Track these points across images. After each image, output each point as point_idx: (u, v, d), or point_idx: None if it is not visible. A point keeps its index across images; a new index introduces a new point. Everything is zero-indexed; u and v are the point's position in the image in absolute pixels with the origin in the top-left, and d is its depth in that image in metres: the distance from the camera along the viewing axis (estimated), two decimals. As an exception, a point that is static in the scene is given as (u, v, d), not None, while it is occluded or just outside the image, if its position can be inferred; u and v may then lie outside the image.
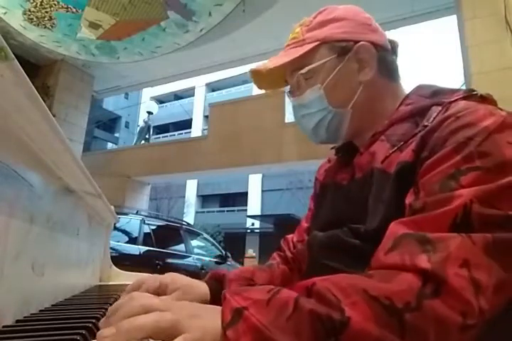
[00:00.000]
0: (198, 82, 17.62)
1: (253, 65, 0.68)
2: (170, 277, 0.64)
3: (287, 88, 0.70)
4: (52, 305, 0.60)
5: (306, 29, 0.63)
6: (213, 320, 0.36)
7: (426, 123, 0.51)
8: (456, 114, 0.48)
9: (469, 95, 0.54)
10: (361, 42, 0.61)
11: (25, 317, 0.48)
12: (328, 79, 0.61)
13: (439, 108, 0.53)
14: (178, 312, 0.36)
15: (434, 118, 0.51)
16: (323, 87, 0.61)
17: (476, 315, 0.34)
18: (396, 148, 0.54)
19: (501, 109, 0.50)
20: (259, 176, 15.95)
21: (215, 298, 0.63)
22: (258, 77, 0.68)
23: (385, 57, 0.63)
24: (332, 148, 0.72)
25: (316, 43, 0.61)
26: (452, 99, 0.53)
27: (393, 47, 0.66)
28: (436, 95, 0.57)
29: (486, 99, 0.54)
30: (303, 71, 0.61)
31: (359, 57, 0.61)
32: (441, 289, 0.35)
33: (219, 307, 0.38)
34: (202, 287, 0.66)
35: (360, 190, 0.56)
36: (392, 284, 0.36)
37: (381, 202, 0.51)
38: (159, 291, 0.61)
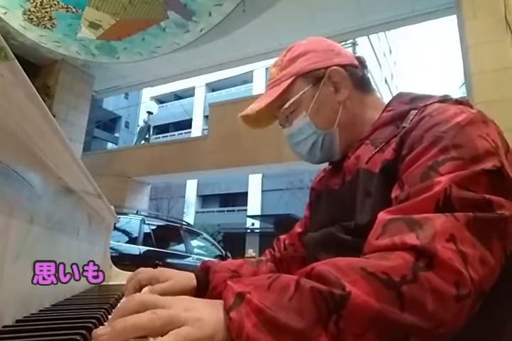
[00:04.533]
0: (198, 82, 17.62)
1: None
2: (160, 270, 0.70)
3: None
4: (52, 305, 0.60)
5: (279, 68, 0.69)
6: (210, 311, 0.37)
7: (404, 125, 0.56)
8: (430, 113, 0.53)
9: (444, 99, 0.58)
10: (331, 68, 0.66)
11: (25, 317, 0.48)
12: (310, 106, 0.66)
13: (416, 111, 0.57)
14: (174, 307, 0.37)
15: (411, 120, 0.56)
16: (307, 114, 0.66)
17: (468, 284, 0.37)
18: (378, 148, 0.59)
19: (472, 108, 0.54)
20: (259, 176, 15.94)
21: (200, 287, 0.69)
22: (249, 119, 0.73)
23: (355, 73, 0.69)
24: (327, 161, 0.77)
25: (291, 79, 0.67)
26: (427, 103, 0.57)
27: (361, 62, 0.72)
28: (414, 101, 0.62)
29: (461, 103, 0.57)
30: (285, 106, 0.68)
31: (332, 81, 0.67)
32: (433, 262, 0.38)
33: (216, 301, 0.40)
34: (189, 278, 0.71)
35: (350, 191, 0.60)
36: (387, 261, 0.39)
37: (368, 199, 0.55)
38: (151, 282, 0.66)
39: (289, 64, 0.68)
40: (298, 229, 0.82)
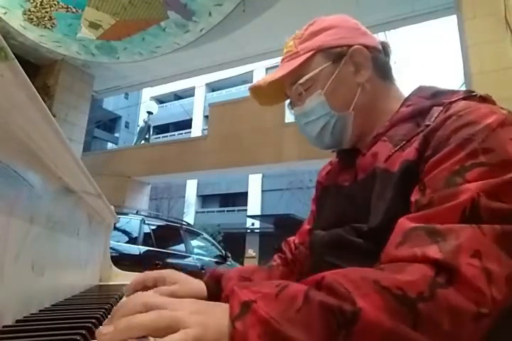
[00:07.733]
0: (198, 82, 17.61)
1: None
2: (167, 272, 0.65)
3: (288, 101, 0.71)
4: (52, 305, 0.60)
5: (299, 41, 0.65)
6: (216, 316, 0.36)
7: (428, 123, 0.52)
8: (457, 113, 0.49)
9: (469, 96, 0.54)
10: (355, 46, 0.62)
11: (25, 317, 0.48)
12: (327, 84, 0.62)
13: (440, 108, 0.53)
14: (179, 310, 0.36)
15: (436, 117, 0.52)
16: (323, 92, 0.62)
17: (490, 304, 0.35)
18: (398, 147, 0.54)
19: (502, 108, 0.50)
20: (259, 176, 15.94)
21: (212, 296, 0.65)
22: (258, 93, 0.69)
23: (378, 58, 0.64)
24: (333, 151, 0.73)
25: (310, 53, 0.62)
26: (452, 100, 0.54)
27: (384, 48, 0.67)
28: (436, 96, 0.58)
29: (485, 100, 0.54)
30: (301, 81, 0.63)
31: (354, 61, 0.62)
32: (454, 278, 0.35)
33: (223, 304, 0.38)
34: (199, 284, 0.67)
35: (363, 190, 0.57)
36: (403, 275, 0.36)
37: (384, 201, 0.52)
38: (157, 283, 0.63)
39: (309, 37, 0.64)
40: (307, 226, 0.78)
